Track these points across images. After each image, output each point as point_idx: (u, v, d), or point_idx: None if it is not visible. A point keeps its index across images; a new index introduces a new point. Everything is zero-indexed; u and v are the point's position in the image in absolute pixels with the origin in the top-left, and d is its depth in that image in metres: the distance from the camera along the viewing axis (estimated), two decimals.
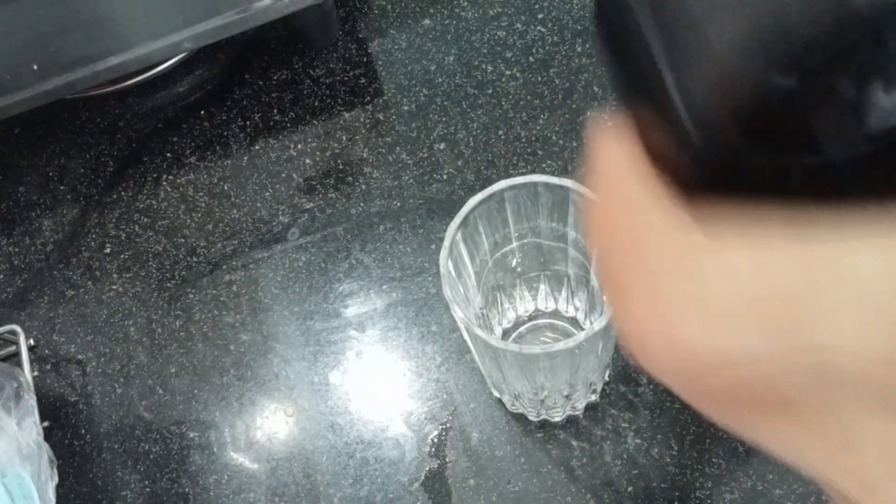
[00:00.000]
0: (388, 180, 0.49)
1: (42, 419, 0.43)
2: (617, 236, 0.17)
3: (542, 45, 0.52)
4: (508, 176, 0.35)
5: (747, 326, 0.14)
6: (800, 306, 0.14)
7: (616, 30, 0.17)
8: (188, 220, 0.50)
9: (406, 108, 0.51)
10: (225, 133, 0.53)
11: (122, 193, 0.52)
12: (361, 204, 0.49)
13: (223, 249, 0.49)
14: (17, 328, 0.47)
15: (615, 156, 0.18)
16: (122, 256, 0.50)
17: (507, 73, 0.51)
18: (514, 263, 0.40)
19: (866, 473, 0.15)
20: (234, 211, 0.50)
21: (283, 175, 0.51)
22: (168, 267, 0.49)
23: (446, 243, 0.34)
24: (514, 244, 0.39)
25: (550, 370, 0.35)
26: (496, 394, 0.42)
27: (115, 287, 0.49)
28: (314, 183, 0.50)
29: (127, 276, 0.49)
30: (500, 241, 0.38)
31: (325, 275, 0.47)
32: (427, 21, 0.54)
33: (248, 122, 0.53)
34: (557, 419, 0.41)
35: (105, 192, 0.52)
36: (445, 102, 0.51)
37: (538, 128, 0.49)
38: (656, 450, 0.40)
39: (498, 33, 0.53)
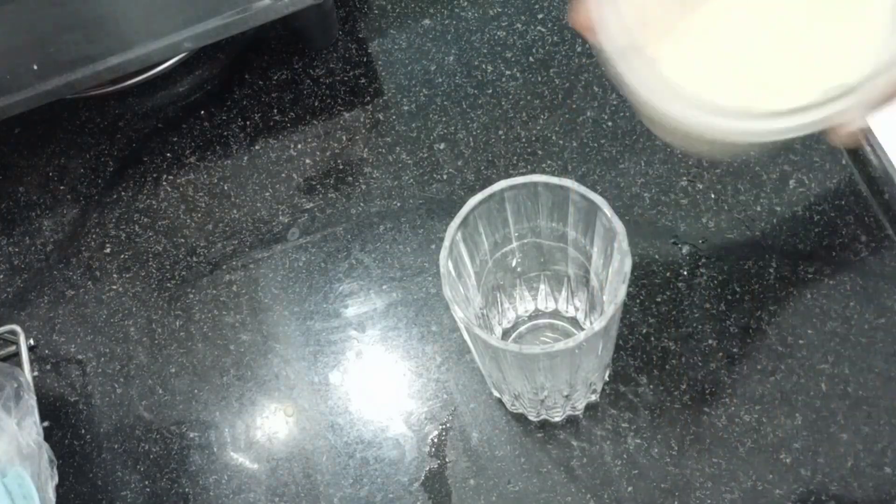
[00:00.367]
0: (388, 180, 0.49)
1: (42, 419, 0.43)
2: None
3: (542, 45, 0.52)
4: (508, 176, 0.35)
5: None
6: None
7: None
8: (188, 220, 0.50)
9: (406, 108, 0.51)
10: (225, 133, 0.53)
11: (122, 193, 0.52)
12: (361, 204, 0.49)
13: (223, 249, 0.49)
14: (17, 328, 0.47)
15: None
16: (122, 256, 0.50)
17: (507, 73, 0.51)
18: (514, 263, 0.40)
19: None
20: (234, 211, 0.50)
21: (283, 175, 0.51)
22: (168, 267, 0.49)
23: (446, 243, 0.34)
24: (514, 244, 0.39)
25: (550, 370, 0.35)
26: (496, 394, 0.42)
27: (115, 287, 0.49)
28: (314, 183, 0.50)
29: (127, 276, 0.49)
30: (500, 241, 0.38)
31: (325, 275, 0.47)
32: (427, 21, 0.54)
33: (248, 122, 0.53)
34: (557, 419, 0.41)
35: (105, 192, 0.52)
36: (445, 102, 0.51)
37: (538, 128, 0.49)
38: (656, 450, 0.40)
39: (498, 33, 0.53)
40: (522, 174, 0.34)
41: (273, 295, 0.47)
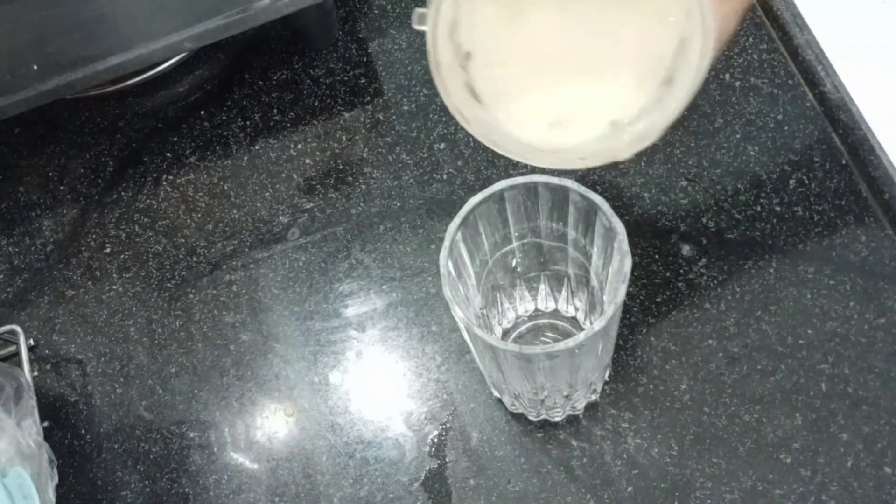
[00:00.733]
0: (388, 180, 0.49)
1: (42, 419, 0.43)
2: None
3: None
4: (508, 176, 0.35)
5: None
6: None
7: None
8: (188, 220, 0.50)
9: (406, 108, 0.51)
10: (225, 133, 0.53)
11: (122, 193, 0.52)
12: (361, 204, 0.49)
13: (223, 249, 0.49)
14: (17, 328, 0.47)
15: None
16: (122, 256, 0.50)
17: None
18: (514, 263, 0.40)
19: None
20: (234, 211, 0.50)
21: (283, 175, 0.51)
22: (168, 267, 0.49)
23: (446, 243, 0.34)
24: (514, 244, 0.39)
25: (550, 370, 0.35)
26: (496, 394, 0.42)
27: (115, 287, 0.49)
28: (314, 183, 0.50)
29: (127, 276, 0.49)
30: (500, 241, 0.38)
31: (325, 275, 0.47)
32: None
33: (248, 122, 0.53)
34: (557, 419, 0.41)
35: (105, 192, 0.52)
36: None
37: None
38: (656, 450, 0.40)
39: None
40: (522, 174, 0.34)
41: (273, 295, 0.47)
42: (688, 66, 0.30)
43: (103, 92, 0.54)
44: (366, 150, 0.51)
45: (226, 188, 0.51)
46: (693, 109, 0.48)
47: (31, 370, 0.46)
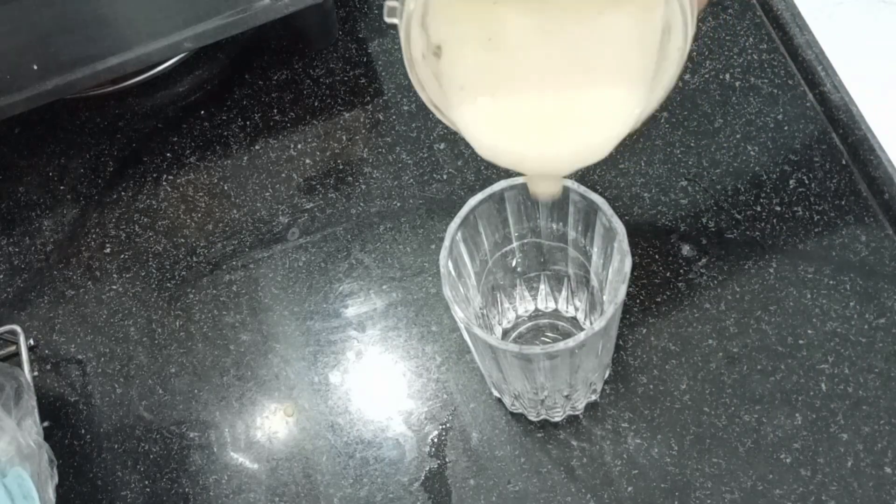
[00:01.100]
0: (388, 180, 0.49)
1: (42, 419, 0.43)
2: None
3: None
4: (508, 176, 0.35)
5: None
6: None
7: None
8: (188, 220, 0.50)
9: (406, 108, 0.51)
10: (225, 133, 0.53)
11: (122, 193, 0.52)
12: (361, 204, 0.49)
13: (223, 249, 0.49)
14: (17, 328, 0.47)
15: None
16: (122, 256, 0.50)
17: None
18: (514, 263, 0.40)
19: None
20: (234, 211, 0.50)
21: (283, 175, 0.51)
22: (168, 267, 0.49)
23: (446, 243, 0.34)
24: (514, 244, 0.39)
25: (550, 370, 0.35)
26: (496, 394, 0.42)
27: (115, 287, 0.49)
28: (314, 183, 0.50)
29: (127, 276, 0.49)
30: (500, 241, 0.38)
31: (325, 275, 0.47)
32: None
33: (248, 122, 0.53)
34: (557, 419, 0.41)
35: (105, 192, 0.52)
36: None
37: None
38: (656, 450, 0.40)
39: None
40: (522, 174, 0.34)
41: (273, 295, 0.47)
42: (672, 52, 0.29)
43: (103, 92, 0.54)
44: (366, 150, 0.51)
45: (226, 188, 0.51)
46: (693, 109, 0.48)
47: (31, 370, 0.46)
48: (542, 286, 0.42)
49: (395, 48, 0.54)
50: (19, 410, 0.40)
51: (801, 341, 0.42)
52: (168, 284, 0.49)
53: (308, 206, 0.49)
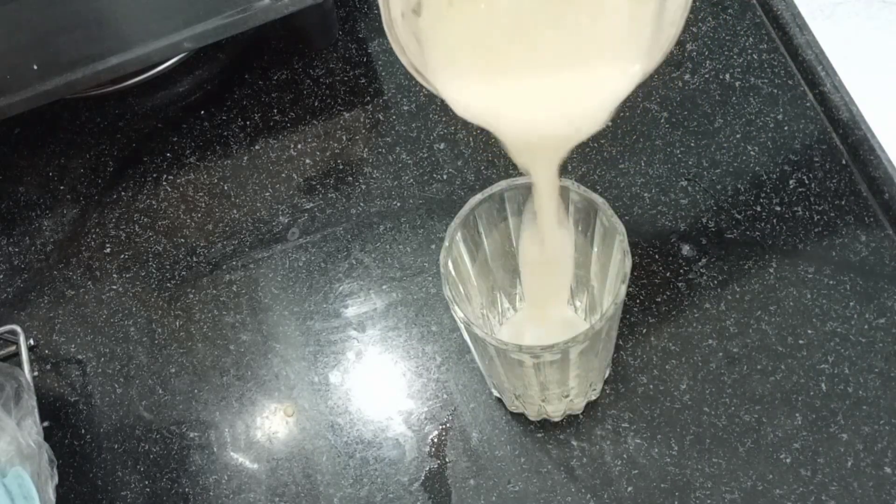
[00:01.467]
0: (388, 180, 0.49)
1: (42, 419, 0.43)
2: None
3: None
4: (508, 176, 0.35)
5: None
6: None
7: None
8: (188, 220, 0.50)
9: (406, 108, 0.51)
10: (225, 133, 0.53)
11: (122, 193, 0.52)
12: (361, 204, 0.49)
13: (223, 249, 0.49)
14: (17, 328, 0.47)
15: None
16: (122, 256, 0.50)
17: None
18: (514, 263, 0.40)
19: None
20: (234, 211, 0.50)
21: (283, 175, 0.51)
22: (168, 267, 0.49)
23: (446, 243, 0.34)
24: (514, 244, 0.39)
25: (550, 370, 0.35)
26: (496, 394, 0.42)
27: (115, 287, 0.49)
28: (314, 183, 0.50)
29: (127, 276, 0.49)
30: (500, 240, 0.38)
31: (325, 275, 0.47)
32: None
33: (248, 122, 0.53)
34: (557, 419, 0.41)
35: (105, 192, 0.52)
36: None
37: None
38: (656, 450, 0.40)
39: None
40: (522, 174, 0.34)
41: (273, 295, 0.47)
42: (668, 24, 0.27)
43: (103, 92, 0.54)
44: (366, 150, 0.51)
45: (226, 188, 0.51)
46: (693, 109, 0.48)
47: (31, 370, 0.46)
48: None
49: None
50: (19, 410, 0.40)
51: (801, 341, 0.42)
52: (168, 284, 0.49)
53: (308, 206, 0.49)
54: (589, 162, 0.48)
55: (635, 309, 0.43)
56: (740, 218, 0.45)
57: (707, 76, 0.49)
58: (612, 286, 0.36)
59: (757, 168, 0.46)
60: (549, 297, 0.39)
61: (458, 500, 0.41)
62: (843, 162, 0.46)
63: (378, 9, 0.29)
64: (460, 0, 0.28)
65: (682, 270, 0.44)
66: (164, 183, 0.52)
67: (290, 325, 0.46)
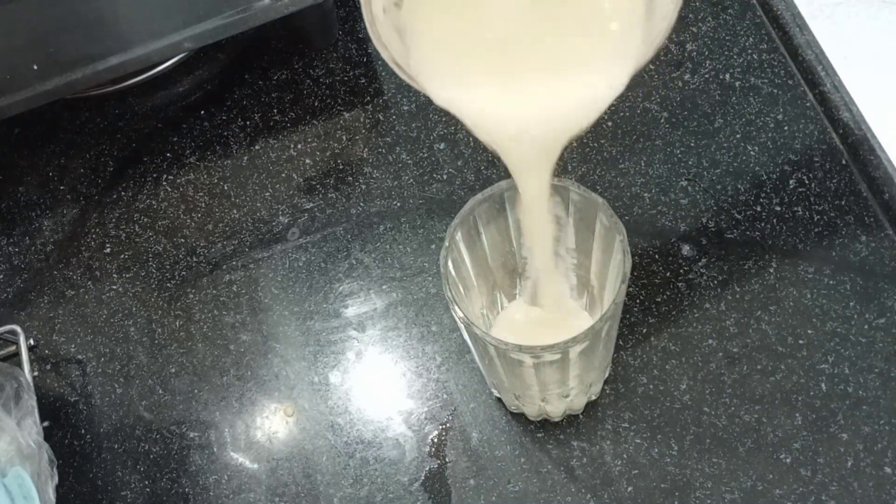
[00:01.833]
0: (388, 180, 0.49)
1: (42, 419, 0.43)
2: None
3: None
4: (508, 176, 0.35)
5: None
6: None
7: None
8: (188, 220, 0.50)
9: (406, 108, 0.51)
10: (225, 133, 0.53)
11: (122, 193, 0.52)
12: (361, 204, 0.49)
13: (223, 249, 0.49)
14: (17, 328, 0.47)
15: None
16: (122, 256, 0.50)
17: None
18: (514, 263, 0.40)
19: None
20: (234, 211, 0.50)
21: (283, 175, 0.51)
22: (168, 267, 0.49)
23: (446, 243, 0.34)
24: (514, 244, 0.39)
25: (550, 370, 0.35)
26: (496, 394, 0.42)
27: (115, 287, 0.49)
28: (314, 183, 0.50)
29: (127, 276, 0.49)
30: (500, 240, 0.38)
31: (325, 275, 0.47)
32: None
33: (248, 122, 0.53)
34: (557, 419, 0.41)
35: (105, 192, 0.52)
36: None
37: None
38: (656, 450, 0.40)
39: None
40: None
41: (273, 295, 0.47)
42: (660, 18, 0.26)
43: (103, 92, 0.54)
44: (366, 150, 0.51)
45: (226, 188, 0.51)
46: (693, 109, 0.48)
47: (31, 370, 0.46)
48: None
49: None
50: (19, 410, 0.40)
51: (801, 341, 0.42)
52: (168, 284, 0.49)
53: (308, 206, 0.49)
54: (589, 162, 0.48)
55: (635, 309, 0.43)
56: (740, 218, 0.45)
57: (707, 76, 0.49)
58: (612, 286, 0.36)
59: (757, 168, 0.46)
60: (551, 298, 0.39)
61: (458, 500, 0.41)
62: (843, 162, 0.46)
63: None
64: None
65: (682, 270, 0.44)
66: (164, 183, 0.52)
67: (290, 325, 0.46)
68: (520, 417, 0.42)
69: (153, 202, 0.51)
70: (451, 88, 0.28)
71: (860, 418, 0.40)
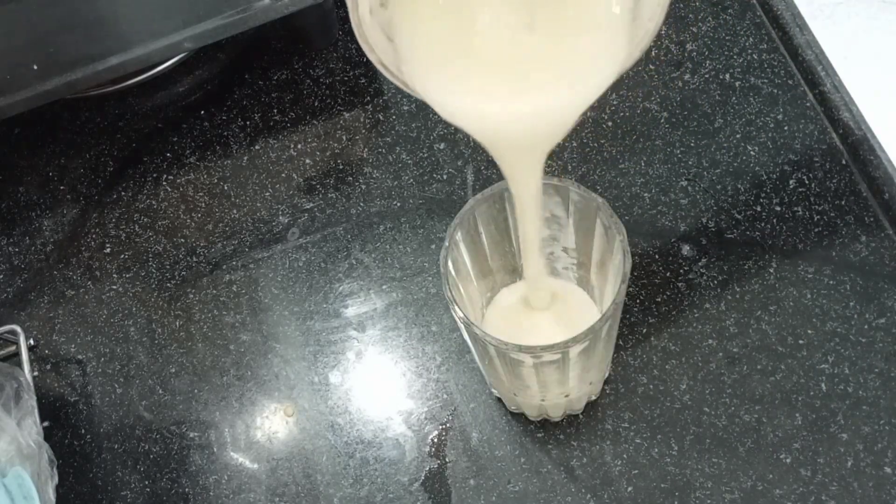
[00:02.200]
0: (388, 180, 0.49)
1: (42, 419, 0.43)
2: None
3: None
4: None
5: None
6: None
7: None
8: (188, 220, 0.50)
9: (406, 108, 0.51)
10: (225, 133, 0.53)
11: (122, 193, 0.52)
12: (361, 204, 0.49)
13: (223, 249, 0.49)
14: (17, 328, 0.47)
15: None
16: (122, 256, 0.50)
17: None
18: (514, 263, 0.40)
19: None
20: (234, 211, 0.50)
21: (283, 175, 0.51)
22: (168, 267, 0.49)
23: (446, 243, 0.34)
24: (515, 244, 0.39)
25: (550, 370, 0.35)
26: (496, 394, 0.42)
27: (115, 287, 0.49)
28: (314, 183, 0.50)
29: (127, 276, 0.49)
30: (500, 240, 0.38)
31: (325, 275, 0.47)
32: None
33: (248, 122, 0.53)
34: (557, 419, 0.41)
35: (105, 192, 0.52)
36: None
37: None
38: (656, 450, 0.40)
39: None
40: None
41: (273, 295, 0.47)
42: (647, 19, 0.26)
43: (103, 92, 0.54)
44: (366, 150, 0.51)
45: (226, 188, 0.51)
46: (693, 109, 0.48)
47: (31, 370, 0.46)
48: None
49: None
50: (19, 410, 0.40)
51: (801, 341, 0.42)
52: (168, 284, 0.49)
53: (308, 206, 0.49)
54: (589, 162, 0.48)
55: (635, 309, 0.43)
56: (740, 218, 0.45)
57: (707, 76, 0.49)
58: (612, 286, 0.36)
59: (757, 168, 0.46)
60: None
61: (458, 500, 0.41)
62: (843, 162, 0.46)
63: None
64: None
65: (682, 270, 0.44)
66: (164, 183, 0.52)
67: (290, 325, 0.46)
68: (520, 417, 0.42)
69: (153, 202, 0.51)
70: (436, 89, 0.28)
71: (860, 418, 0.40)
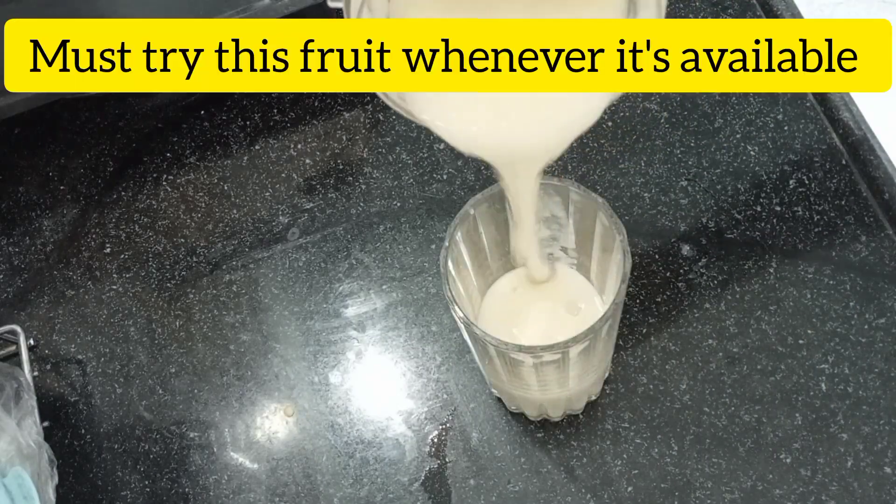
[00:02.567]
0: (388, 180, 0.49)
1: (42, 419, 0.43)
2: None
3: None
4: None
5: None
6: None
7: None
8: (188, 220, 0.50)
9: None
10: (225, 133, 0.53)
11: (122, 193, 0.52)
12: (361, 204, 0.49)
13: (223, 249, 0.49)
14: (17, 328, 0.47)
15: None
16: (122, 256, 0.50)
17: None
18: (514, 263, 0.40)
19: None
20: (234, 211, 0.50)
21: (283, 175, 0.51)
22: (168, 267, 0.49)
23: (446, 243, 0.34)
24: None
25: (550, 370, 0.35)
26: (496, 393, 0.42)
27: (115, 287, 0.49)
28: (314, 183, 0.50)
29: (127, 276, 0.49)
30: (500, 241, 0.38)
31: (325, 275, 0.47)
32: None
33: (248, 122, 0.53)
34: (557, 419, 0.41)
35: (105, 192, 0.52)
36: None
37: None
38: (656, 450, 0.40)
39: None
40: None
41: (273, 295, 0.47)
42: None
43: (103, 92, 0.54)
44: (366, 150, 0.51)
45: (226, 188, 0.51)
46: (693, 109, 0.48)
47: (31, 370, 0.46)
48: None
49: None
50: (19, 410, 0.40)
51: (801, 341, 0.42)
52: (168, 284, 0.49)
53: (308, 206, 0.49)
54: (589, 162, 0.48)
55: (635, 309, 0.43)
56: (740, 218, 0.45)
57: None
58: (612, 286, 0.36)
59: (757, 168, 0.46)
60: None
61: (458, 500, 0.41)
62: (843, 162, 0.46)
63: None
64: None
65: (682, 270, 0.44)
66: (164, 183, 0.52)
67: (290, 325, 0.46)
68: (520, 417, 0.42)
69: (153, 202, 0.51)
70: (429, 111, 0.28)
71: (860, 418, 0.40)
